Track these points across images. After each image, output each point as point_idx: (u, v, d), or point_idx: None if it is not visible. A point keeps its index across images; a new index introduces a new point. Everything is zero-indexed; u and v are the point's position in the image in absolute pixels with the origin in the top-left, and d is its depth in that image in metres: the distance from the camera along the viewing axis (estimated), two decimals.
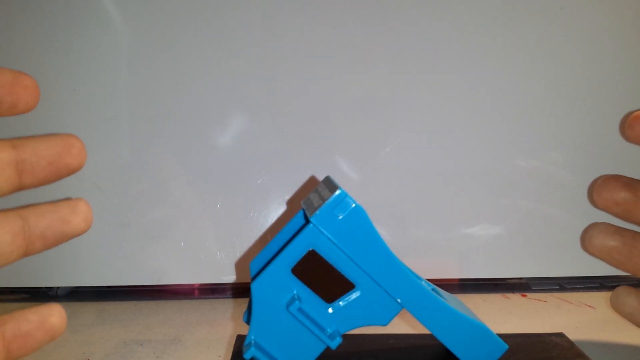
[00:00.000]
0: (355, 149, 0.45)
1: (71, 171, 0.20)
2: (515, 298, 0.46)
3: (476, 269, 0.46)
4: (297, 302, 0.23)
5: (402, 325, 0.39)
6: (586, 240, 0.28)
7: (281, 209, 0.45)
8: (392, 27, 0.44)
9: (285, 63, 0.44)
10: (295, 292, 0.23)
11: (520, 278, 0.48)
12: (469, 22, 0.44)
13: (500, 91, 0.45)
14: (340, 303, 0.23)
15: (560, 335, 0.32)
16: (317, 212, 0.22)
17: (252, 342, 0.23)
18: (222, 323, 0.41)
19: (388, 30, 0.44)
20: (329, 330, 0.23)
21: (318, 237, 0.22)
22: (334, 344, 0.23)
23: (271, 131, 0.45)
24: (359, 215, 0.22)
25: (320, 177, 0.43)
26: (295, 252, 0.22)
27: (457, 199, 0.46)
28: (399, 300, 0.23)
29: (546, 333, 0.32)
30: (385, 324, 0.24)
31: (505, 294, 0.46)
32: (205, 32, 0.43)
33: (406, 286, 0.23)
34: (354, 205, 0.22)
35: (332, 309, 0.23)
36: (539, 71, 0.45)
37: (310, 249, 0.22)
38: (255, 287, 0.23)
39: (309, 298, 0.23)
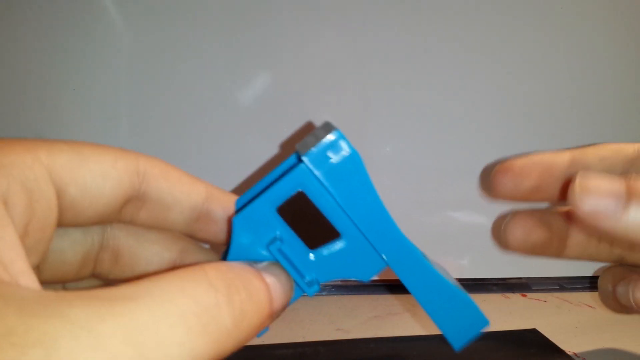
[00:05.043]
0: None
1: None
2: (515, 298, 0.46)
3: (476, 269, 0.46)
4: (278, 242, 0.21)
5: (403, 327, 0.39)
6: (505, 238, 0.26)
7: None
8: (391, 27, 0.44)
9: (283, 65, 0.44)
10: (277, 232, 0.22)
11: (520, 278, 0.48)
12: (467, 21, 0.44)
13: (499, 91, 0.45)
14: (323, 251, 0.22)
15: (534, 331, 0.32)
16: (310, 151, 0.20)
17: None
18: None
19: (388, 30, 0.44)
20: (307, 277, 0.22)
21: (308, 179, 0.21)
22: (311, 291, 0.22)
23: (272, 132, 0.45)
24: (354, 161, 0.20)
25: None
26: (283, 191, 0.21)
27: (457, 200, 0.46)
28: (384, 256, 0.22)
29: (519, 330, 0.32)
30: (366, 279, 0.23)
31: (505, 294, 0.46)
32: (206, 32, 0.43)
33: (394, 243, 0.22)
34: (349, 150, 0.20)
35: (314, 255, 0.22)
36: (537, 70, 0.45)
37: (299, 190, 0.21)
38: (237, 221, 0.21)
39: (291, 241, 0.22)
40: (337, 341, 0.31)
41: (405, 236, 0.23)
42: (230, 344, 0.15)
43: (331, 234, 0.22)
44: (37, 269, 0.19)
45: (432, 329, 0.40)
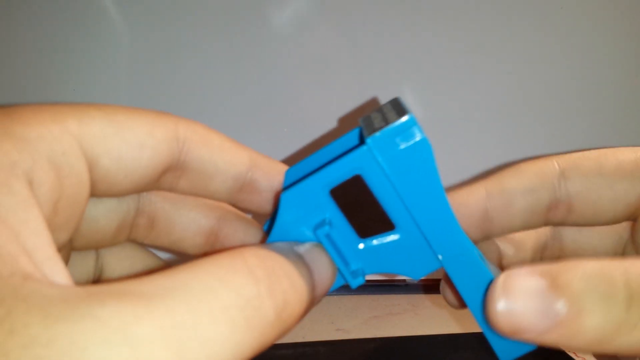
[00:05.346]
0: None
1: None
2: None
3: None
4: (327, 226, 0.19)
5: (403, 327, 0.39)
6: (444, 298, 0.24)
7: None
8: (392, 27, 0.44)
9: (284, 64, 0.44)
10: (327, 215, 0.20)
11: None
12: (468, 21, 0.44)
13: (500, 91, 0.45)
14: (374, 242, 0.20)
15: None
16: (377, 134, 0.18)
17: None
18: None
19: (388, 30, 0.44)
20: (353, 267, 0.20)
21: (369, 163, 0.18)
22: (355, 283, 0.20)
23: (272, 132, 0.45)
24: (424, 150, 0.18)
25: None
26: (339, 173, 0.19)
27: None
28: (440, 257, 0.20)
29: None
30: (417, 277, 0.21)
31: None
32: (206, 32, 0.43)
33: (453, 245, 0.20)
34: (421, 137, 0.18)
35: (364, 245, 0.20)
36: (538, 71, 0.45)
37: (357, 174, 0.19)
38: (285, 198, 0.19)
39: (340, 226, 0.20)
40: (337, 341, 0.31)
41: (467, 238, 0.20)
42: (272, 336, 0.14)
43: (385, 225, 0.20)
44: (70, 240, 0.17)
45: (432, 329, 0.40)
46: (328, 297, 0.46)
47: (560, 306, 0.15)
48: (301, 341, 0.35)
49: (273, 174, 0.20)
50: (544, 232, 0.23)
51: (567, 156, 0.22)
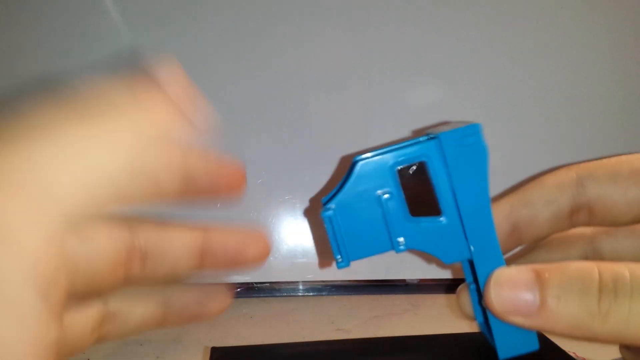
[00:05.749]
0: (359, 150, 0.45)
1: (252, 264, 0.21)
2: None
3: None
4: (388, 195, 0.23)
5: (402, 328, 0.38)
6: (459, 309, 0.26)
7: (281, 207, 0.45)
8: (395, 27, 0.44)
9: (285, 64, 0.44)
10: (389, 189, 0.23)
11: None
12: (468, 21, 0.44)
13: (505, 90, 0.45)
14: (420, 222, 0.24)
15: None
16: (449, 131, 0.22)
17: (333, 208, 0.23)
18: (222, 323, 0.41)
19: (391, 29, 0.44)
20: (396, 237, 0.24)
21: (436, 154, 0.23)
22: (399, 249, 0.24)
23: (273, 132, 0.45)
24: (482, 154, 0.23)
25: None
26: (410, 156, 0.23)
27: None
28: (472, 247, 0.23)
29: None
30: (447, 262, 0.25)
31: None
32: (206, 32, 0.43)
33: (485, 239, 0.23)
34: (482, 142, 0.22)
35: (410, 222, 0.24)
36: (538, 71, 0.45)
37: (424, 160, 0.23)
38: (360, 166, 0.23)
39: (397, 200, 0.23)
40: (337, 341, 0.31)
41: (497, 238, 0.24)
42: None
43: (434, 210, 0.23)
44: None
45: (432, 329, 0.40)
46: (328, 297, 0.46)
47: (543, 296, 0.19)
48: (301, 341, 0.35)
49: (226, 237, 0.22)
50: (583, 248, 0.26)
51: (585, 165, 0.24)
